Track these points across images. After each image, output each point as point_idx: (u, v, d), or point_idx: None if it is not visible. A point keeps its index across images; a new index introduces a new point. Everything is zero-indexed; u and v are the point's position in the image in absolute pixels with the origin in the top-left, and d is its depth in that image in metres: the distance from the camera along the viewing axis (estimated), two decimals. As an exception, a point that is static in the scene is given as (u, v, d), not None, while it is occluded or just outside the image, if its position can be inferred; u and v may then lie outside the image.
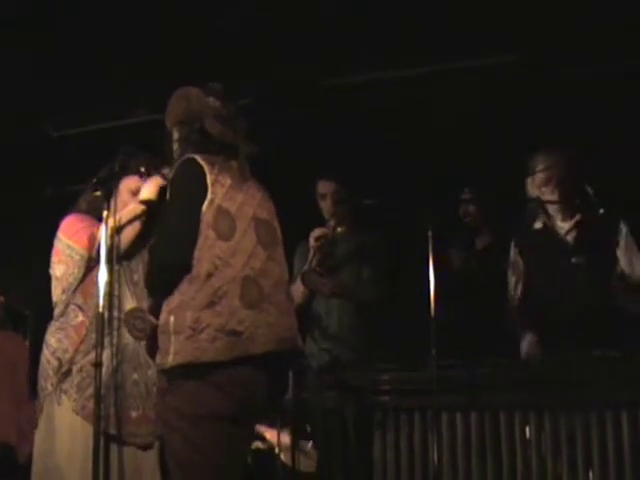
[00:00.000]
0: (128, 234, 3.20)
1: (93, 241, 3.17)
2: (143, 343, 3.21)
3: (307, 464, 4.47)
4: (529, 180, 3.91)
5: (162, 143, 3.09)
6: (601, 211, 3.70)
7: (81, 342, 3.14)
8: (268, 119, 4.98)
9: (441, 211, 3.49)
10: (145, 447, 3.17)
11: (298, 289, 4.25)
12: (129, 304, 3.23)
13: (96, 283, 3.06)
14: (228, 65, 5.01)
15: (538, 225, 3.98)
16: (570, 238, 3.88)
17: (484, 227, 4.30)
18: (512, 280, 3.96)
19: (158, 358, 2.77)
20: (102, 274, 2.90)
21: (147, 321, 3.19)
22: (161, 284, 2.79)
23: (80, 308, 3.19)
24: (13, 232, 5.99)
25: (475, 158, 4.62)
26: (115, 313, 3.19)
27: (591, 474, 3.25)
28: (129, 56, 5.03)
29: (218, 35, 4.85)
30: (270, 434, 4.45)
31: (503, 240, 4.06)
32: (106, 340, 3.09)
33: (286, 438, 4.37)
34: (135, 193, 3.22)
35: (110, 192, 2.99)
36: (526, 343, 3.89)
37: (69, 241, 3.23)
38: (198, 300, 2.70)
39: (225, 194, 2.81)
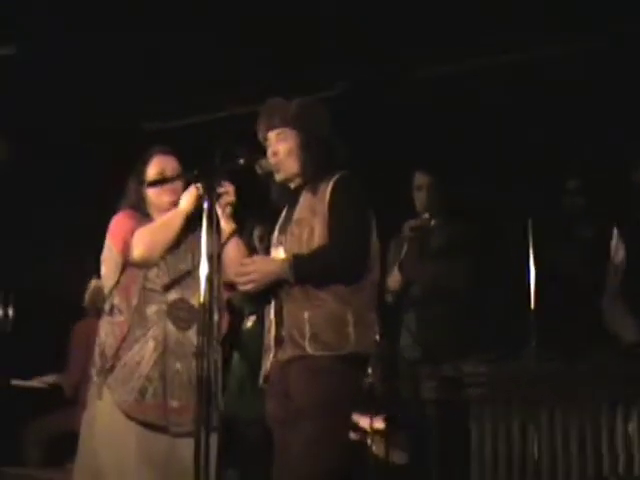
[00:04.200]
0: (164, 237, 3.24)
1: (128, 248, 3.21)
2: (187, 333, 3.21)
3: (399, 456, 4.47)
4: None
5: (250, 136, 3.20)
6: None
7: (123, 339, 3.18)
8: (363, 108, 5.00)
9: (541, 202, 3.44)
10: (185, 436, 3.12)
11: (395, 278, 4.28)
12: (172, 295, 3.24)
13: (135, 282, 3.19)
14: (322, 53, 5.04)
15: None
16: None
17: (586, 218, 4.22)
18: (612, 266, 3.88)
19: (327, 342, 2.96)
20: (203, 268, 2.89)
21: (192, 312, 3.19)
22: (337, 278, 3.00)
23: (118, 308, 3.24)
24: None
25: (575, 148, 4.54)
26: (155, 307, 3.21)
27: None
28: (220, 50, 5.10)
29: (310, 22, 4.87)
30: (363, 421, 4.46)
31: (606, 232, 3.97)
32: (148, 333, 3.16)
33: (379, 425, 4.39)
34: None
35: (212, 185, 3.00)
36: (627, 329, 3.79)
37: (110, 243, 3.28)
38: (372, 302, 3.09)
39: None
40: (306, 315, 2.98)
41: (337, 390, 2.94)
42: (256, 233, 4.49)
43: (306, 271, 3.00)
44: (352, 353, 2.96)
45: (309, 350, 2.95)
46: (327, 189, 3.07)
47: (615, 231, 3.90)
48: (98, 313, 4.97)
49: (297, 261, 3.00)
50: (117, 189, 3.44)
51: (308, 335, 2.96)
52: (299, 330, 2.98)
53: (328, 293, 2.98)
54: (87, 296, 5.22)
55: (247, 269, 3.06)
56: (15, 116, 5.66)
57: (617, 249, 3.88)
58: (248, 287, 3.07)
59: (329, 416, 2.91)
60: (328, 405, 2.91)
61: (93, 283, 5.20)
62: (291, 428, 2.96)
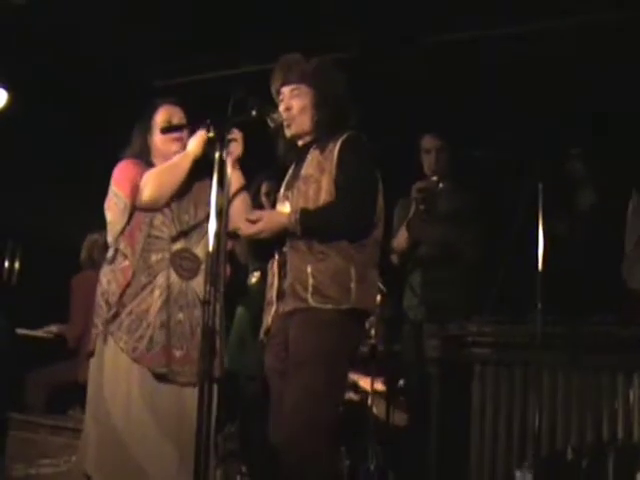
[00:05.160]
0: (173, 179, 3.25)
1: (136, 191, 3.22)
2: (190, 283, 3.23)
3: (399, 417, 4.48)
4: None
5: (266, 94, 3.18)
6: None
7: (127, 285, 3.18)
8: (373, 72, 4.97)
9: (549, 166, 3.43)
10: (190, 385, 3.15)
11: (402, 237, 4.28)
12: (176, 245, 3.25)
13: (140, 229, 3.20)
14: (333, 17, 5.00)
15: None
16: None
17: (588, 186, 4.21)
18: (628, 230, 3.87)
19: (329, 295, 2.96)
20: (212, 222, 2.89)
21: (196, 261, 3.23)
22: (342, 234, 3.02)
23: (122, 253, 3.24)
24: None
25: (582, 116, 4.53)
26: (160, 255, 3.22)
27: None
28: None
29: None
30: (364, 382, 4.47)
31: (610, 200, 3.97)
32: (154, 281, 3.17)
33: (379, 386, 4.40)
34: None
35: (223, 134, 2.99)
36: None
37: (116, 188, 3.28)
38: (374, 260, 3.11)
39: None
40: (309, 268, 2.99)
41: (336, 343, 2.96)
42: (263, 189, 4.48)
43: (312, 225, 3.01)
44: (353, 309, 2.98)
45: (311, 302, 2.97)
46: (335, 148, 3.08)
47: (634, 194, 3.89)
48: (94, 266, 5.04)
49: (304, 214, 3.02)
50: (126, 145, 3.43)
51: (311, 288, 2.97)
52: (302, 283, 2.99)
53: (332, 248, 3.00)
54: (83, 250, 5.21)
55: (255, 221, 3.07)
56: (25, 67, 5.63)
57: (636, 209, 3.88)
58: (256, 236, 3.08)
59: (327, 368, 2.92)
60: (326, 357, 2.93)
61: (89, 237, 5.21)
62: (289, 379, 2.97)
